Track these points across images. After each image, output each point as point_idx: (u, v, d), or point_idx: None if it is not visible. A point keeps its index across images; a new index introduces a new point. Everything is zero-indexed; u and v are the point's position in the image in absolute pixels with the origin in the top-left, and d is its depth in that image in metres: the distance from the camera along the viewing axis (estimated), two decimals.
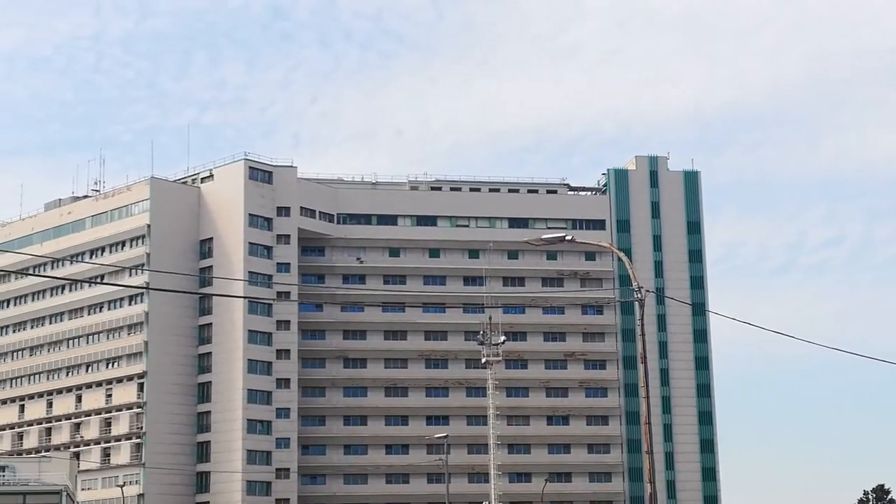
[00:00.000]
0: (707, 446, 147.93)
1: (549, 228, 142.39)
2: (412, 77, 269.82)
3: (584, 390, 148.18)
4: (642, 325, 37.12)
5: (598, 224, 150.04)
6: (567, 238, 38.87)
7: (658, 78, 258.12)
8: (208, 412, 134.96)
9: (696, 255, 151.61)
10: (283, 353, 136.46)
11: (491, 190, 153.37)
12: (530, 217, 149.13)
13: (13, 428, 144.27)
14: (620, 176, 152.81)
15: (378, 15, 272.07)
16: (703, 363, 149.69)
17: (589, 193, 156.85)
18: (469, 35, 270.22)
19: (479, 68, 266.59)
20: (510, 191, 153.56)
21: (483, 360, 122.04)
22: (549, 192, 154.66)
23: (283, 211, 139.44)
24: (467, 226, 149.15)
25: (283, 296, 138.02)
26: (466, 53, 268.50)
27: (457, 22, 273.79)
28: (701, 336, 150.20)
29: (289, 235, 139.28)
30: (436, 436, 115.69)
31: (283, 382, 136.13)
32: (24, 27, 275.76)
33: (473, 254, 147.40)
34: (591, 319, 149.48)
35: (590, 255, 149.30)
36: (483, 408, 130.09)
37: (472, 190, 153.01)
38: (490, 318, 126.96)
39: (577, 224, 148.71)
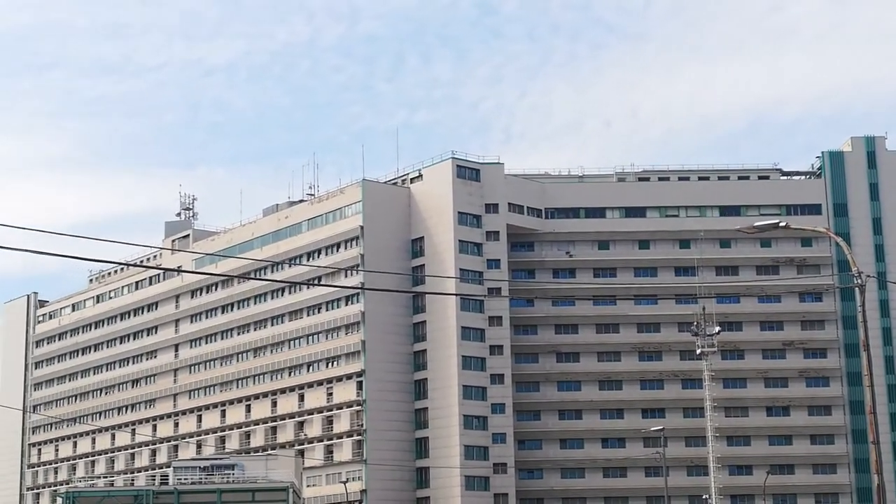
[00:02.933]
0: None
1: (761, 215, 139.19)
2: (621, 67, 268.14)
3: (805, 380, 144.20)
4: (864, 311, 35.99)
5: (814, 209, 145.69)
6: (781, 224, 37.96)
7: (878, 55, 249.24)
8: (425, 408, 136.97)
9: None
10: (496, 349, 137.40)
11: (700, 178, 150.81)
12: (742, 204, 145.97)
13: (241, 427, 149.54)
14: (835, 158, 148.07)
15: (587, 5, 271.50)
16: None
17: (802, 178, 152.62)
18: (679, 20, 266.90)
19: (690, 54, 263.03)
20: (720, 178, 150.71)
21: (698, 351, 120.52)
22: (760, 178, 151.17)
23: (492, 208, 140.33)
24: (677, 215, 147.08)
25: (494, 292, 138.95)
26: (677, 39, 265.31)
27: (666, 7, 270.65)
28: None
29: (498, 232, 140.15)
30: (652, 429, 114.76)
31: (497, 378, 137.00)
32: (244, 38, 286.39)
33: (684, 244, 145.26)
34: (810, 307, 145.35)
35: (806, 241, 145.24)
36: (699, 400, 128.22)
37: (680, 179, 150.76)
38: (704, 308, 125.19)
39: (791, 210, 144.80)
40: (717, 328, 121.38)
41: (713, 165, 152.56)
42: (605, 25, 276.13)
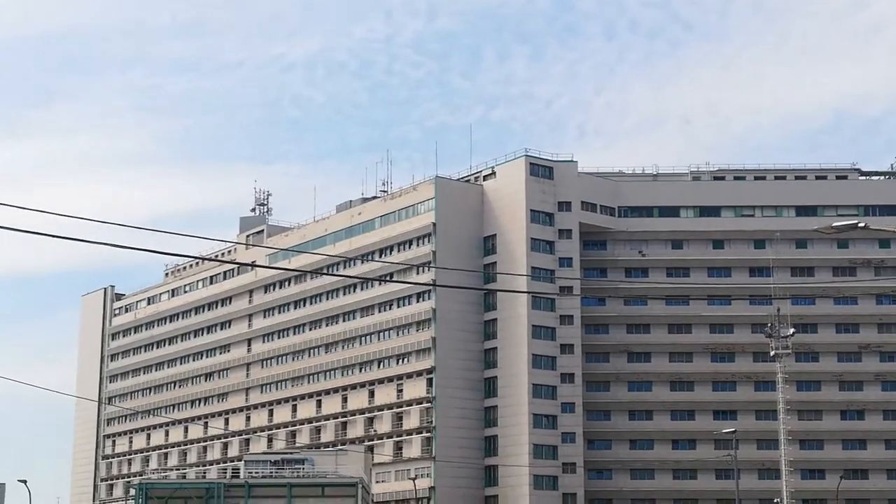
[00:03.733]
0: None
1: (839, 216, 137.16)
2: (701, 64, 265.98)
3: (881, 384, 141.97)
4: None
5: (892, 210, 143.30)
6: (859, 225, 37.38)
7: None
8: (495, 406, 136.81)
9: None
10: (566, 348, 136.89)
11: (776, 177, 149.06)
12: (819, 204, 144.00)
13: (311, 422, 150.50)
14: None
15: (666, 2, 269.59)
16: None
17: (881, 178, 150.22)
18: (761, 17, 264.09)
19: (771, 51, 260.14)
20: (797, 178, 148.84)
21: (772, 353, 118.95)
22: (838, 177, 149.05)
23: (565, 206, 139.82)
24: (752, 215, 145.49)
25: (566, 290, 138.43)
26: (759, 37, 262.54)
27: (747, 4, 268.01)
28: None
29: (570, 230, 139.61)
30: (723, 431, 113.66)
31: (568, 377, 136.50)
32: (321, 34, 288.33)
33: (759, 244, 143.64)
34: (887, 310, 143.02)
35: (884, 243, 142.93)
36: (772, 402, 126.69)
37: (756, 178, 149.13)
38: (778, 309, 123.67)
39: (869, 210, 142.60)
40: (792, 330, 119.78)
41: (790, 165, 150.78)
42: (683, 23, 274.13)
